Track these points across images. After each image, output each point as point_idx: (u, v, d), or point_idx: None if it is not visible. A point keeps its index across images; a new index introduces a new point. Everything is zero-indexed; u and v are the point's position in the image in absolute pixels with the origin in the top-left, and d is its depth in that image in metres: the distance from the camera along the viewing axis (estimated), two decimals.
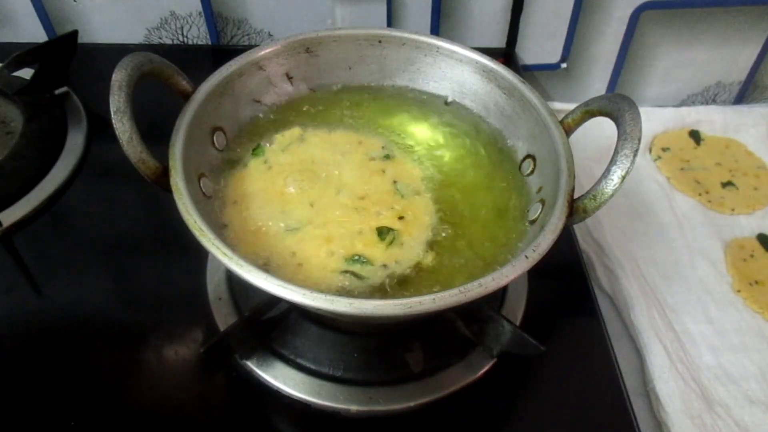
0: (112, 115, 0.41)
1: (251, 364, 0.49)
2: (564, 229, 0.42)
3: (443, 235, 0.47)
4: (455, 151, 0.54)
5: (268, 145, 0.51)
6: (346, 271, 0.44)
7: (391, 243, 0.45)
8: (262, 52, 0.53)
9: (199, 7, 0.80)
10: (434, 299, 0.36)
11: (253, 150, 0.51)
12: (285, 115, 0.55)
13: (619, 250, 0.65)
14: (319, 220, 0.46)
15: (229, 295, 0.53)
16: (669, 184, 0.74)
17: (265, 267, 0.43)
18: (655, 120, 0.80)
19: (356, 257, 0.44)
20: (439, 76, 0.57)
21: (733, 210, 0.71)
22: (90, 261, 0.59)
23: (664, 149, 0.78)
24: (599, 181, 0.43)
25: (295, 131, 0.51)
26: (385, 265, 0.44)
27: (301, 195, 0.48)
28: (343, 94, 0.57)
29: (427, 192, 0.50)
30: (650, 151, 0.78)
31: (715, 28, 0.81)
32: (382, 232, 0.46)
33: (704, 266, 0.65)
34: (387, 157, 0.51)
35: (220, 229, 0.45)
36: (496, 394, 0.51)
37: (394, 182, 0.49)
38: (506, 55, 0.84)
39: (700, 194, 0.72)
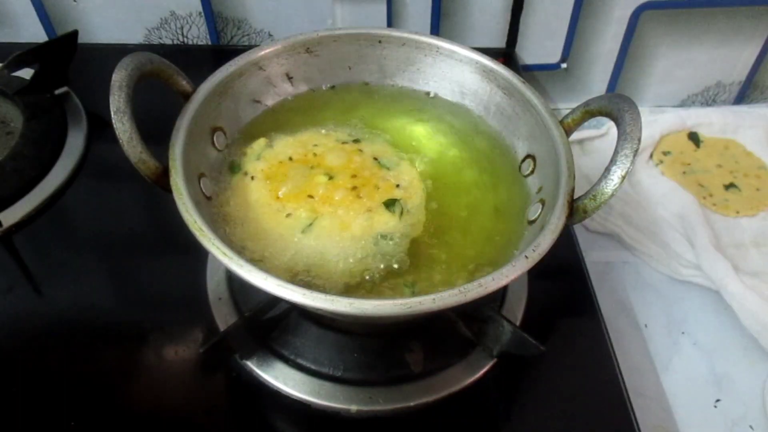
0: (112, 115, 0.41)
1: (251, 364, 0.49)
2: (564, 229, 0.42)
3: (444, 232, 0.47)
4: (455, 151, 0.54)
5: (242, 158, 0.50)
6: (376, 253, 0.44)
7: (401, 213, 0.46)
8: (262, 52, 0.53)
9: (199, 7, 0.80)
10: (434, 299, 0.36)
11: (230, 168, 0.50)
12: (285, 115, 0.55)
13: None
14: (325, 209, 0.46)
15: (229, 295, 0.53)
16: (673, 188, 0.74)
17: (308, 275, 0.43)
18: (655, 125, 0.80)
19: (380, 236, 0.45)
20: (439, 76, 0.57)
21: (738, 212, 0.71)
22: (90, 261, 0.59)
23: (665, 153, 0.78)
24: (599, 181, 0.43)
25: (261, 141, 0.51)
26: (402, 234, 0.46)
27: (297, 191, 0.47)
28: (342, 94, 0.57)
29: (405, 161, 0.51)
30: (651, 156, 0.78)
31: (715, 28, 0.81)
32: (390, 205, 0.46)
33: None
34: (356, 140, 0.52)
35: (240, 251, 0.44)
36: (496, 394, 0.51)
37: (375, 158, 0.50)
38: (506, 55, 0.84)
39: (704, 197, 0.72)
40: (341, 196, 0.46)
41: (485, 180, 0.52)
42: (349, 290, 0.44)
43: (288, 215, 0.46)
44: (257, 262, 0.44)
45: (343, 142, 0.51)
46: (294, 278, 0.44)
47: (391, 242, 0.45)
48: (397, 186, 0.48)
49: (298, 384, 0.48)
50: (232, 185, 0.48)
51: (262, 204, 0.47)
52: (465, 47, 0.54)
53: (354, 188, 0.47)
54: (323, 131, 0.53)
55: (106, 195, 0.65)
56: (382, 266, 0.44)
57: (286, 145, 0.50)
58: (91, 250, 0.60)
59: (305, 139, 0.51)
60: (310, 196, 0.46)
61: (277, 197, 0.47)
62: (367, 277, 0.44)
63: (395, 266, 0.45)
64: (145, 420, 0.48)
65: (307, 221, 0.45)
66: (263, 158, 0.49)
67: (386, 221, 0.46)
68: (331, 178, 0.48)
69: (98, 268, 0.58)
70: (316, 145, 0.50)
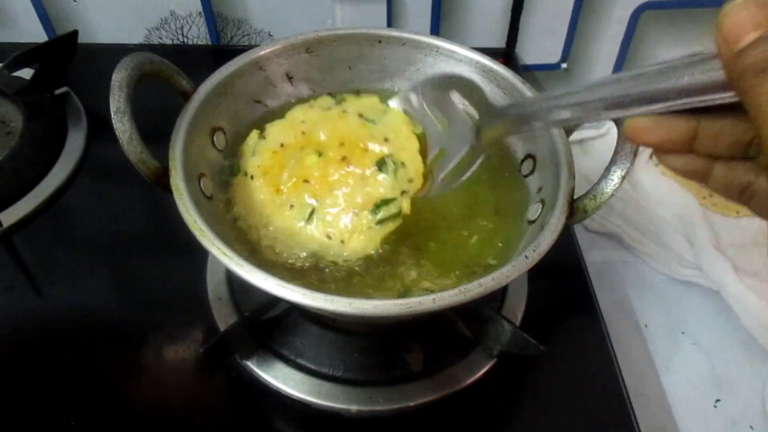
0: (112, 115, 0.41)
1: (251, 364, 0.49)
2: (564, 229, 0.42)
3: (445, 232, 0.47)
4: None
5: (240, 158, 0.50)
6: (381, 220, 0.44)
7: (395, 170, 0.45)
8: (262, 52, 0.53)
9: (199, 7, 0.80)
10: (434, 299, 0.36)
11: (231, 171, 0.50)
12: (284, 115, 0.55)
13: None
14: (323, 192, 0.45)
15: (229, 295, 0.53)
16: (673, 188, 0.73)
17: (317, 261, 0.44)
18: None
19: (380, 203, 0.44)
20: None
21: (738, 212, 0.71)
22: (90, 261, 0.59)
23: None
24: (599, 181, 0.43)
25: (254, 134, 0.50)
26: (404, 192, 0.45)
27: (293, 180, 0.46)
28: (342, 94, 0.57)
29: (392, 110, 0.49)
30: (651, 156, 0.78)
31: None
32: (381, 165, 0.45)
33: None
34: (340, 101, 0.51)
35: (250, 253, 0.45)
36: (496, 394, 0.51)
37: (360, 115, 0.48)
38: (506, 55, 0.84)
39: (704, 197, 0.72)
40: (333, 172, 0.46)
41: (485, 180, 0.52)
42: (360, 270, 0.44)
43: (291, 207, 0.45)
44: (273, 261, 0.44)
45: (328, 109, 0.50)
46: (307, 269, 0.44)
47: (393, 204, 0.45)
48: (386, 140, 0.46)
49: (298, 384, 0.48)
50: (235, 188, 0.48)
51: (265, 202, 0.46)
52: (465, 47, 0.54)
53: (343, 159, 0.46)
54: (308, 103, 0.52)
55: (106, 195, 0.65)
56: (389, 232, 0.45)
57: (276, 132, 0.49)
58: (91, 250, 0.60)
59: (293, 117, 0.50)
60: (306, 181, 0.46)
61: (278, 191, 0.46)
62: (373, 252, 0.44)
63: (401, 227, 0.45)
64: (145, 420, 0.48)
65: (309, 209, 0.45)
66: (258, 152, 0.49)
67: (382, 184, 0.45)
68: (320, 154, 0.46)
69: (98, 268, 0.58)
70: (303, 122, 0.49)
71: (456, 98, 0.45)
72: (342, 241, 0.44)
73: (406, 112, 0.49)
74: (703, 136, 0.29)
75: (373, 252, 0.44)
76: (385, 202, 0.44)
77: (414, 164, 0.46)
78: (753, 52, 0.24)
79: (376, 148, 0.46)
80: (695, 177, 0.30)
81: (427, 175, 0.46)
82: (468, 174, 0.44)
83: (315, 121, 0.49)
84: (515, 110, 0.41)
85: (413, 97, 0.48)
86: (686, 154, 0.30)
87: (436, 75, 0.50)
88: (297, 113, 0.51)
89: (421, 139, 0.48)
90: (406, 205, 0.45)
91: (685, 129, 0.29)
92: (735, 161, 0.29)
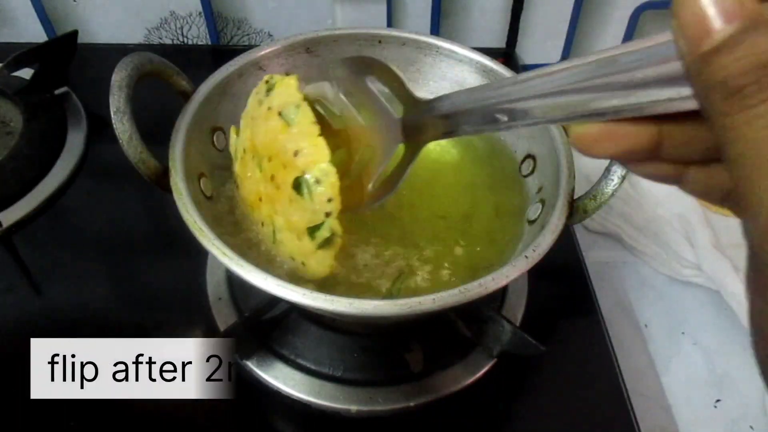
0: (112, 115, 0.41)
1: (251, 364, 0.49)
2: (564, 229, 0.42)
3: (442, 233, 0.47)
4: (454, 151, 0.54)
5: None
6: (320, 246, 0.39)
7: (311, 192, 0.38)
8: (262, 52, 0.53)
9: (199, 7, 0.80)
10: (434, 299, 0.36)
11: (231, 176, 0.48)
12: None
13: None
14: (270, 212, 0.42)
15: (229, 295, 0.53)
16: (674, 188, 0.73)
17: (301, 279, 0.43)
18: None
19: (311, 228, 0.39)
20: (438, 76, 0.57)
21: None
22: (90, 261, 0.59)
23: None
24: (599, 181, 0.43)
25: (232, 133, 0.47)
26: (328, 213, 0.38)
27: (253, 196, 0.44)
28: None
29: (303, 103, 0.40)
30: None
31: None
32: (297, 188, 0.39)
33: None
34: (270, 89, 0.42)
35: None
36: (496, 394, 0.51)
37: (279, 114, 0.40)
38: (506, 55, 0.84)
39: None
40: (270, 192, 0.41)
41: (485, 180, 0.52)
42: (351, 274, 0.43)
43: (262, 224, 0.44)
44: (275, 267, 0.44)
45: (260, 102, 0.43)
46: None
47: (323, 229, 0.39)
48: (296, 153, 0.38)
49: (298, 384, 0.48)
50: (233, 198, 0.48)
51: (248, 219, 0.46)
52: (465, 47, 0.54)
53: (272, 178, 0.40)
54: (256, 88, 0.45)
55: (106, 195, 0.65)
56: (337, 252, 0.40)
57: (243, 126, 0.45)
58: (91, 250, 0.60)
59: (248, 111, 0.45)
60: (260, 200, 0.43)
61: (251, 207, 0.44)
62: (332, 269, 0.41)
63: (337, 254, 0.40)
64: (146, 420, 0.48)
65: (271, 228, 0.42)
66: (237, 158, 0.46)
67: (304, 208, 0.39)
68: (261, 170, 0.42)
69: (98, 268, 0.58)
70: (253, 118, 0.43)
71: (374, 86, 0.40)
72: (303, 263, 0.41)
73: (322, 102, 0.42)
74: (670, 144, 0.23)
75: (331, 271, 0.40)
76: (316, 227, 0.39)
77: (328, 180, 0.38)
78: (725, 60, 0.17)
79: (292, 165, 0.39)
80: (667, 182, 0.25)
81: (356, 185, 0.40)
82: (405, 177, 0.38)
83: (254, 118, 0.43)
84: (439, 109, 0.34)
85: (327, 87, 0.42)
86: (652, 161, 0.24)
87: (347, 57, 0.42)
88: (249, 105, 0.45)
89: (344, 136, 0.41)
90: (337, 228, 0.38)
91: (645, 137, 0.22)
92: (714, 163, 0.23)
